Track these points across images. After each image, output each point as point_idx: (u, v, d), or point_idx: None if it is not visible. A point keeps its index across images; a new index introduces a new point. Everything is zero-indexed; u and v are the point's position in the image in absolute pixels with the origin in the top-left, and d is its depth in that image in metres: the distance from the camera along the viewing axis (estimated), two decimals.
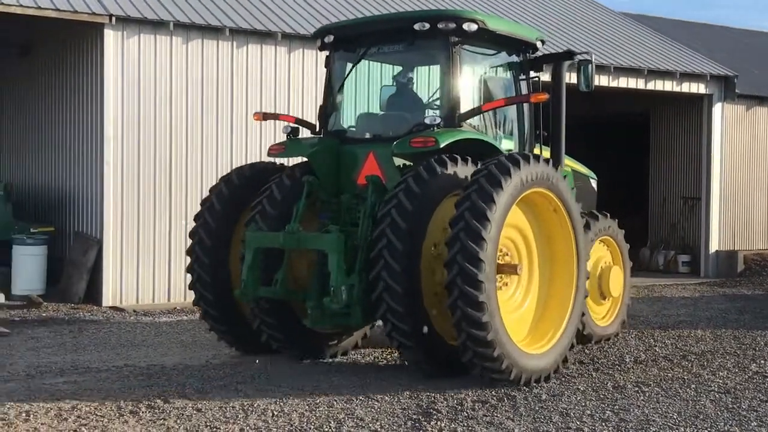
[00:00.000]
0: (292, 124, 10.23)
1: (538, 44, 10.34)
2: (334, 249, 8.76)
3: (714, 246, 21.23)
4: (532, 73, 10.31)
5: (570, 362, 9.55)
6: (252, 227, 9.41)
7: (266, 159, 10.91)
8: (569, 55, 10.53)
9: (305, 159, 9.86)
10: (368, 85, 11.18)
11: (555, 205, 9.14)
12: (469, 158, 9.05)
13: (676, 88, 20.49)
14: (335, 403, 8.04)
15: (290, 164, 10.39)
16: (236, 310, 9.95)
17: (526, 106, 10.18)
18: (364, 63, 10.29)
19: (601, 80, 19.29)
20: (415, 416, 7.61)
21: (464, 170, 8.93)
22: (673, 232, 22.03)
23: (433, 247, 8.73)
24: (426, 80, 10.94)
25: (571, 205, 9.22)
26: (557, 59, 10.53)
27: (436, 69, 9.95)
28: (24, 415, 7.52)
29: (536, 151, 10.13)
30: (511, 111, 10.23)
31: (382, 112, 10.51)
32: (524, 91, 10.25)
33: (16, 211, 16.25)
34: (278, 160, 10.52)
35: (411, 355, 8.90)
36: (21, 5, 13.92)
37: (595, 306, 11.28)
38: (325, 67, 10.38)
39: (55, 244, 15.74)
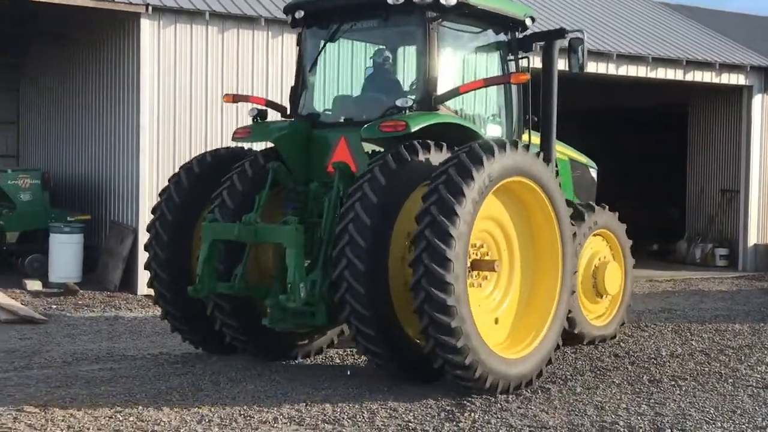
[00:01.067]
0: (259, 107, 9.44)
1: (528, 22, 9.49)
2: (292, 243, 8.05)
3: (752, 239, 20.91)
4: (521, 54, 9.57)
5: (553, 364, 8.78)
6: (209, 218, 8.71)
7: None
8: (560, 33, 9.71)
9: (272, 144, 9.17)
10: (349, 66, 10.09)
11: (537, 196, 8.39)
12: (445, 145, 8.36)
13: (715, 80, 20.19)
14: (368, 393, 8.03)
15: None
16: (199, 310, 9.03)
17: (514, 88, 9.40)
18: (340, 41, 9.46)
19: (639, 71, 19.10)
20: (448, 408, 7.58)
21: (439, 157, 8.17)
22: (711, 225, 21.75)
23: (407, 242, 8.00)
24: (411, 60, 9.67)
25: (555, 195, 8.49)
26: (548, 38, 9.74)
27: (414, 48, 9.11)
28: (61, 401, 7.59)
29: (525, 137, 9.47)
30: (497, 94, 9.48)
31: (357, 95, 9.69)
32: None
33: (53, 200, 16.42)
34: (247, 146, 9.70)
35: (379, 362, 8.18)
36: None
37: (590, 304, 10.52)
38: (297, 45, 9.68)
39: (92, 232, 15.88)
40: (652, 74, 19.37)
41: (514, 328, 8.43)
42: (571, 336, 9.75)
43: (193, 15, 14.92)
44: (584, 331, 10.24)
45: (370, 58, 9.56)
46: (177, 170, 9.54)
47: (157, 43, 14.70)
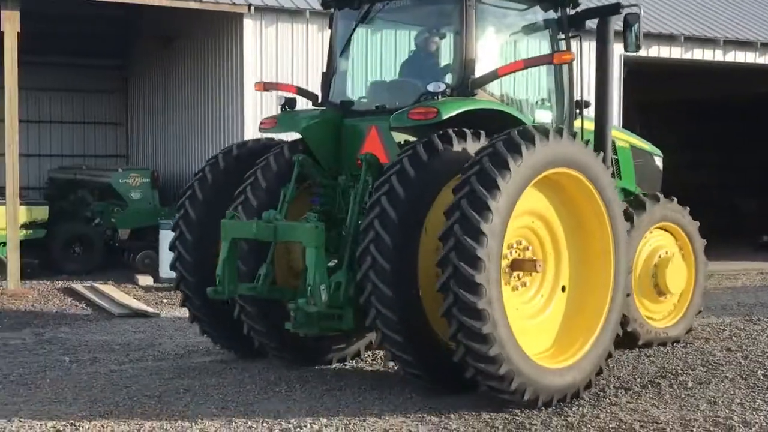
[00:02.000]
0: (288, 95, 8.83)
1: None
2: (312, 241, 7.43)
3: None
4: (573, 32, 8.79)
5: (605, 372, 7.90)
6: (228, 215, 8.10)
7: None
8: (615, 8, 8.80)
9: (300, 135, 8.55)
10: (383, 50, 9.41)
11: (585, 189, 7.62)
12: (483, 133, 7.67)
13: None
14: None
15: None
16: (229, 312, 8.47)
17: (565, 70, 8.67)
18: (373, 23, 8.77)
19: (747, 57, 18.52)
20: (557, 401, 7.49)
21: (476, 147, 7.43)
22: None
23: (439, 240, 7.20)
24: (449, 42, 8.89)
25: (605, 188, 7.69)
26: (602, 14, 8.92)
27: (451, 28, 8.41)
28: (174, 392, 7.82)
29: (577, 124, 8.81)
30: (547, 77, 8.75)
31: (390, 80, 8.99)
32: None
33: (162, 198, 16.87)
34: (277, 137, 9.04)
35: (409, 369, 7.49)
36: None
37: (649, 303, 9.69)
38: (329, 27, 9.09)
39: None
40: (760, 60, 18.74)
41: (560, 334, 7.70)
42: (627, 337, 9.03)
43: (294, 14, 15.14)
44: (638, 330, 9.43)
45: (407, 40, 9.00)
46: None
47: (259, 42, 14.98)
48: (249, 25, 14.90)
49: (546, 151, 7.20)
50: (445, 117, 7.44)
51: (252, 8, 14.76)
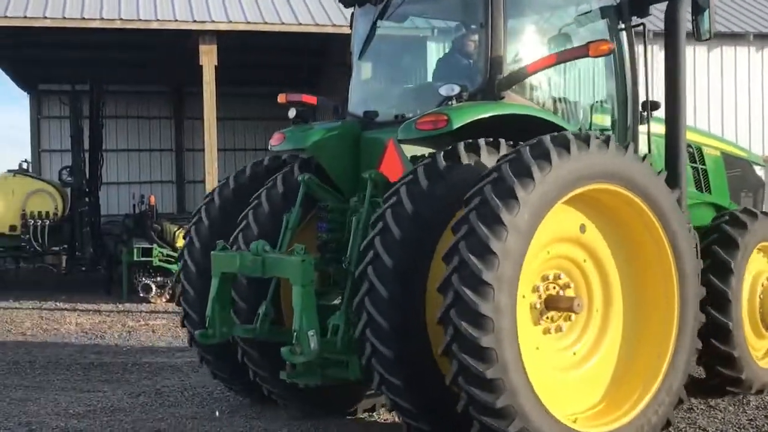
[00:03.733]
0: (298, 107, 7.74)
1: None
2: (298, 278, 6.22)
3: None
4: (635, 20, 7.39)
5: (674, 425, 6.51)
6: (219, 246, 6.94)
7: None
8: None
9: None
10: (408, 51, 8.22)
11: (638, 209, 6.20)
12: (521, 144, 6.11)
13: None
14: None
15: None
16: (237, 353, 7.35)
17: (627, 66, 7.33)
18: (394, 19, 7.55)
19: None
20: None
21: None
22: None
23: None
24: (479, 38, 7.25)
25: (664, 207, 6.26)
26: None
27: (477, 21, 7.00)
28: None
29: (643, 129, 7.45)
30: (605, 75, 7.40)
31: (415, 85, 7.88)
32: (626, 46, 7.30)
33: None
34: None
35: (410, 421, 6.10)
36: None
37: (756, 340, 8.09)
38: (350, 27, 7.94)
39: None
40: None
41: (613, 387, 6.29)
42: (736, 382, 7.73)
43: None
44: (752, 376, 7.80)
45: (433, 39, 7.82)
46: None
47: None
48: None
49: (585, 161, 5.86)
50: (456, 126, 6.15)
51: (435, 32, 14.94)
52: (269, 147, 7.76)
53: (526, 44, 7.04)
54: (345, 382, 6.64)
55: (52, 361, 10.18)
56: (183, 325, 7.79)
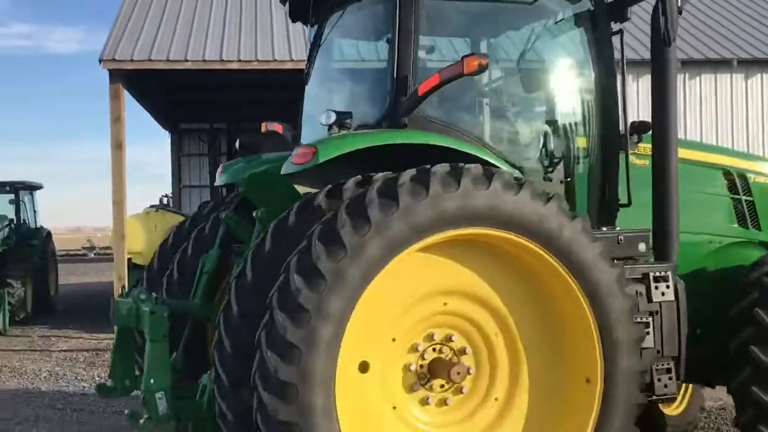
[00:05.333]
0: (274, 133, 6.91)
1: None
2: (148, 332, 5.62)
3: None
4: (615, 25, 6.23)
5: None
6: (125, 292, 6.46)
7: None
8: None
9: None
10: (341, 70, 7.09)
11: (540, 258, 5.05)
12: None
13: None
14: None
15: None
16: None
17: (604, 81, 6.10)
18: (329, 38, 6.56)
19: None
20: None
21: None
22: None
23: None
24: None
25: (580, 255, 5.05)
26: None
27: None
28: None
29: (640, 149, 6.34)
30: (579, 92, 6.17)
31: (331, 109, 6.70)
32: (605, 57, 6.13)
33: None
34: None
35: None
36: None
37: None
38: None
39: None
40: None
41: None
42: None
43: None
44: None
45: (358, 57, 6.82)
46: None
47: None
48: None
49: (452, 201, 4.81)
50: (322, 160, 5.13)
51: None
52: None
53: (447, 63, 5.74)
54: None
55: None
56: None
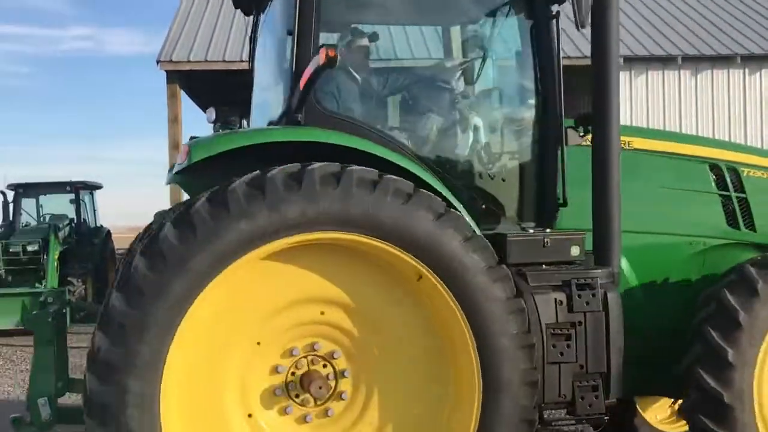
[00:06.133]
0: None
1: None
2: (34, 335, 5.50)
3: None
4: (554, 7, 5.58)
5: None
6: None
7: None
8: None
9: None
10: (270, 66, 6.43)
11: (409, 265, 4.69)
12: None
13: None
14: None
15: None
16: None
17: (548, 72, 5.52)
18: (264, 35, 6.27)
19: None
20: None
21: None
22: None
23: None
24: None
25: (439, 257, 4.64)
26: None
27: None
28: None
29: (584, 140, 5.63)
30: (517, 83, 5.75)
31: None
32: (547, 44, 5.53)
33: None
34: None
35: None
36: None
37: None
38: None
39: None
40: None
41: None
42: None
43: (665, 61, 14.97)
44: None
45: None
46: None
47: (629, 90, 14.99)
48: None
49: (296, 205, 4.48)
50: (195, 160, 4.74)
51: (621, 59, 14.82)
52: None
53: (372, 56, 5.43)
54: None
55: None
56: None
